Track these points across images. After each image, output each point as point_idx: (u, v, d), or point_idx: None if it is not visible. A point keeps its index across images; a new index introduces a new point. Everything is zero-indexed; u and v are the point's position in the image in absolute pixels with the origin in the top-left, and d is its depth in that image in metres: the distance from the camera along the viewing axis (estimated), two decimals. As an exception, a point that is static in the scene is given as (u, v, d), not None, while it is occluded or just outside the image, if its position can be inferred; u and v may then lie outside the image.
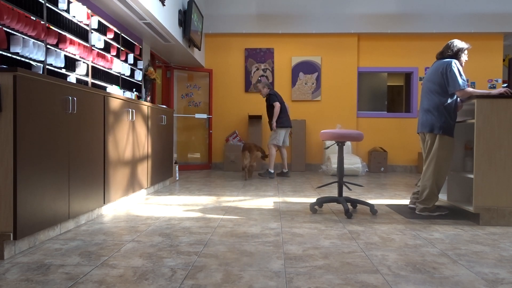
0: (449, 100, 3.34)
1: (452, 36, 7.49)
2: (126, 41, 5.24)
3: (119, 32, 5.01)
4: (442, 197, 3.72)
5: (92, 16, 4.30)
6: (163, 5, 5.16)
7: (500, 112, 3.03)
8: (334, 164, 6.66)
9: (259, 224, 2.96)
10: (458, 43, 3.43)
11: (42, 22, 3.38)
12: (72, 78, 3.90)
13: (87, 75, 4.21)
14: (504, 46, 7.95)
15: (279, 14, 7.56)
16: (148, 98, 6.17)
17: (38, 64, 3.36)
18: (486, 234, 2.75)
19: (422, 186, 3.44)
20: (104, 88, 4.60)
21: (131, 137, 3.70)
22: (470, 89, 3.23)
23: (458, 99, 3.38)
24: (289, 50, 7.73)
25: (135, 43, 5.54)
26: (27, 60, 3.21)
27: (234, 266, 2.01)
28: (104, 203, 3.16)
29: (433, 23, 7.39)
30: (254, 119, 7.47)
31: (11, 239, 2.07)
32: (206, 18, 7.63)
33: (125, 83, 5.24)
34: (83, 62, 4.11)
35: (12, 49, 3.03)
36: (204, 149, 7.87)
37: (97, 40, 4.39)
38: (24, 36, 3.15)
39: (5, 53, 2.96)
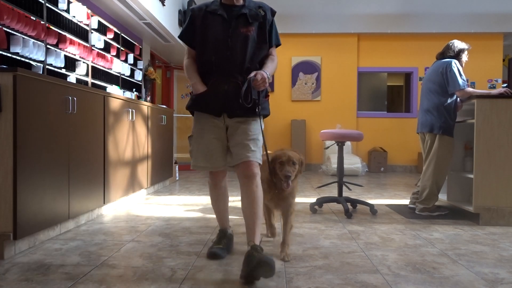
0: (449, 100, 3.34)
1: (452, 36, 7.48)
2: (126, 41, 5.24)
3: (119, 32, 5.01)
4: (442, 197, 3.72)
5: (92, 16, 4.30)
6: (163, 5, 5.16)
7: (500, 112, 3.03)
8: (334, 164, 6.66)
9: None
10: (458, 44, 3.43)
11: (42, 22, 3.38)
12: (72, 78, 3.89)
13: (87, 75, 4.21)
14: (504, 46, 7.95)
15: (279, 14, 7.55)
16: (148, 98, 6.17)
17: (38, 64, 3.36)
18: (486, 234, 2.75)
19: (422, 186, 3.44)
20: (104, 88, 4.60)
21: (131, 137, 3.70)
22: (470, 89, 3.23)
23: (458, 99, 3.38)
24: (289, 50, 7.72)
25: (135, 43, 5.54)
26: (27, 60, 3.21)
27: (234, 266, 2.01)
28: (104, 203, 3.16)
29: (433, 23, 7.39)
30: (254, 119, 7.47)
31: (11, 239, 2.07)
32: (206, 18, 7.62)
33: (125, 83, 5.24)
34: (83, 62, 4.11)
35: (12, 49, 3.03)
36: (204, 149, 7.86)
37: (97, 40, 4.39)
38: (24, 36, 3.15)
39: (5, 53, 2.96)
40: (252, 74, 1.97)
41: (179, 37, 2.23)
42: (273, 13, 2.18)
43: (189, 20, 2.16)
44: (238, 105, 1.99)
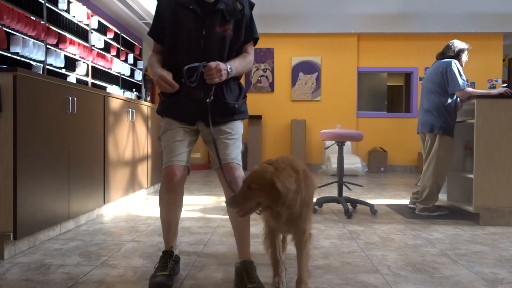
0: (449, 100, 3.34)
1: (452, 36, 7.48)
2: (126, 41, 5.24)
3: (119, 32, 5.01)
4: (442, 197, 3.72)
5: (92, 16, 4.30)
6: (163, 5, 5.17)
7: (500, 112, 3.03)
8: (334, 164, 6.66)
9: (259, 224, 2.95)
10: (458, 44, 3.43)
11: (42, 22, 3.38)
12: (72, 78, 3.89)
13: (87, 75, 4.21)
14: (504, 46, 7.95)
15: (279, 14, 7.56)
16: (148, 98, 6.18)
17: (38, 64, 3.36)
18: (486, 234, 2.75)
19: (422, 186, 3.44)
20: (104, 88, 4.60)
21: (131, 137, 3.70)
22: (470, 89, 3.23)
23: (458, 99, 3.38)
24: (289, 50, 7.72)
25: (135, 43, 5.54)
26: (27, 60, 3.21)
27: (234, 265, 2.01)
28: (104, 203, 3.16)
29: (433, 23, 7.39)
30: (254, 119, 7.46)
31: (11, 239, 2.07)
32: (206, 18, 7.62)
33: (125, 83, 5.24)
34: (83, 62, 4.11)
35: (12, 49, 3.03)
36: (204, 149, 7.86)
37: (97, 40, 4.39)
38: (24, 36, 3.15)
39: (5, 53, 2.96)
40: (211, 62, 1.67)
41: (148, 34, 1.91)
42: (251, 6, 1.87)
43: (156, 13, 1.84)
44: (215, 113, 1.77)
